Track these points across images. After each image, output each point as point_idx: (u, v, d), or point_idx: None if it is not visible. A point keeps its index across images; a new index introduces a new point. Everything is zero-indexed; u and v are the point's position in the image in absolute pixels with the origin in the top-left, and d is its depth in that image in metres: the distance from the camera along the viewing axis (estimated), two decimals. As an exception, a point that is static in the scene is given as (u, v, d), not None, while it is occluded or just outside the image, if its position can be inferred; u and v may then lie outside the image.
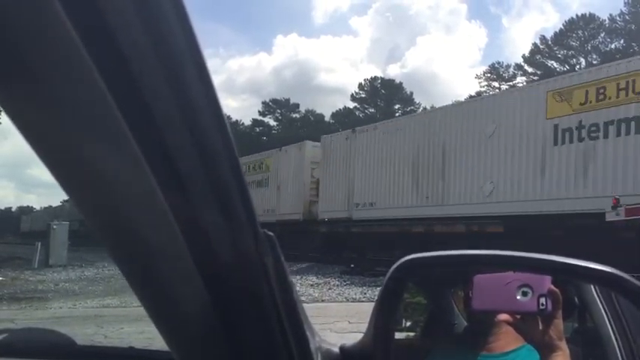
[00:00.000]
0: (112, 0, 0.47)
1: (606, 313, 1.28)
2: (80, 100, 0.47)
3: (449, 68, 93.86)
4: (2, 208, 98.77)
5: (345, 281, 13.33)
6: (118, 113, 0.49)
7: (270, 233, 0.70)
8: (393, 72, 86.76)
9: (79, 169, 0.51)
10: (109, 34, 0.47)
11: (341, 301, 10.38)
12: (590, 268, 0.90)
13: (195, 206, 0.60)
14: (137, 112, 0.51)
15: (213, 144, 0.58)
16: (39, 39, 0.42)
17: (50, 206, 56.27)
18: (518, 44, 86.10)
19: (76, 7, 0.43)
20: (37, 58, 0.43)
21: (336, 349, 0.94)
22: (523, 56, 53.21)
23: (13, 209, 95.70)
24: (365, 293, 11.02)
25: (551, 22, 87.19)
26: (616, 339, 1.26)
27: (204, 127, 0.57)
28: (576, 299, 1.31)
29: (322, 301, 10.32)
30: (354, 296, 10.82)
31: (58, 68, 0.44)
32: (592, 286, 1.29)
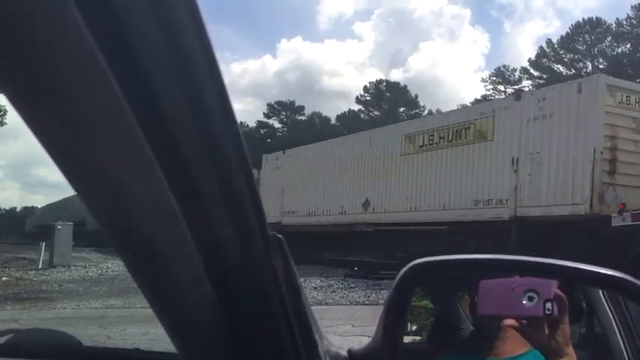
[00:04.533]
0: (127, 2, 0.47)
1: (614, 317, 1.28)
2: (93, 102, 0.47)
3: (452, 73, 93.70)
4: (7, 208, 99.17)
5: (348, 284, 13.31)
6: (131, 115, 0.49)
7: (280, 236, 0.70)
8: (397, 76, 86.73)
9: (91, 171, 0.51)
10: (125, 39, 0.47)
11: (344, 304, 10.37)
12: (598, 273, 0.89)
13: (205, 209, 0.60)
14: (150, 115, 0.51)
15: (225, 147, 0.58)
16: (52, 40, 0.42)
17: (52, 203, 56.28)
18: (521, 50, 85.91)
19: (90, 9, 0.43)
20: (50, 59, 0.43)
21: (344, 353, 0.94)
22: (529, 60, 53.22)
23: (18, 209, 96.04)
24: (369, 296, 11.00)
25: (553, 27, 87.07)
26: (624, 344, 1.26)
27: (216, 132, 0.57)
28: (584, 304, 1.31)
29: (326, 304, 10.31)
30: (357, 299, 10.80)
31: (72, 70, 0.44)
32: (600, 291, 1.29)
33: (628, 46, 47.79)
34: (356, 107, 62.45)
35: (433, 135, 15.52)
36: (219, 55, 0.55)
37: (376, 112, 59.83)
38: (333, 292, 12.01)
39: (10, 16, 0.40)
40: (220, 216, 0.62)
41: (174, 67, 0.52)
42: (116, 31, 0.47)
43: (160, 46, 0.50)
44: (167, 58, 0.51)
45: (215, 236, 0.63)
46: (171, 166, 0.55)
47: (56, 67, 0.44)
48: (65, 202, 39.17)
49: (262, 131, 64.25)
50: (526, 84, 50.43)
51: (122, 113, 0.49)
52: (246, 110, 76.68)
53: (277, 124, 66.20)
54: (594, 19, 49.43)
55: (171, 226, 0.58)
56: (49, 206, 50.34)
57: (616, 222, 10.94)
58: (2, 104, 19.19)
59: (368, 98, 61.61)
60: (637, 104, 11.99)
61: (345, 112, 63.59)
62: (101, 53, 0.45)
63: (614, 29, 48.53)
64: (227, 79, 0.57)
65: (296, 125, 63.11)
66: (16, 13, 0.40)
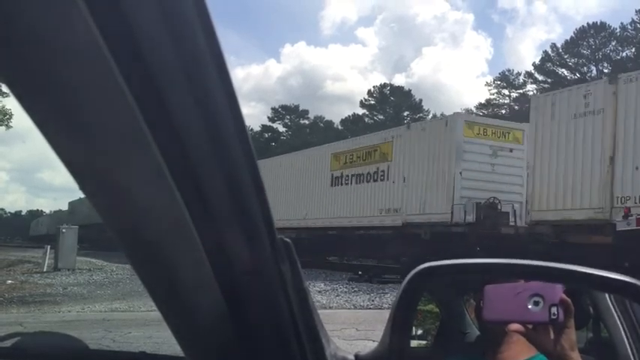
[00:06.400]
0: (140, 10, 0.47)
1: (621, 322, 1.27)
2: (103, 105, 0.47)
3: (455, 78, 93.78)
4: (12, 211, 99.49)
5: (352, 288, 13.28)
6: (140, 119, 0.49)
7: (287, 240, 0.70)
8: (400, 81, 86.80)
9: (100, 174, 0.51)
10: (135, 43, 0.48)
11: (348, 308, 10.35)
12: (605, 277, 0.89)
13: (213, 214, 0.60)
14: (159, 120, 0.51)
15: (233, 151, 0.58)
16: (66, 49, 0.43)
17: (60, 210, 56.40)
18: (523, 54, 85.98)
19: (101, 15, 0.44)
20: (62, 67, 0.43)
21: (351, 357, 0.93)
22: (534, 64, 53.17)
23: (23, 213, 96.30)
24: (372, 300, 10.98)
25: (555, 33, 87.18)
26: (631, 349, 1.25)
27: (225, 135, 0.57)
28: (590, 309, 1.30)
29: (330, 307, 10.30)
30: (361, 303, 10.78)
31: (83, 73, 0.45)
32: (607, 295, 1.28)
33: (632, 50, 47.69)
34: (360, 111, 62.50)
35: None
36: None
37: (380, 116, 59.85)
38: (337, 295, 11.99)
39: (19, 16, 0.40)
40: (229, 221, 0.62)
41: (186, 76, 0.52)
42: (126, 36, 0.47)
43: (170, 50, 0.50)
44: (179, 67, 0.51)
45: (223, 241, 0.63)
46: (180, 170, 0.55)
47: (66, 69, 0.44)
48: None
49: (267, 135, 64.34)
50: (530, 88, 50.40)
51: (131, 117, 0.49)
52: (251, 114, 76.94)
53: (281, 128, 66.32)
54: (599, 23, 49.38)
55: (179, 230, 0.58)
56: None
57: (621, 226, 10.91)
58: (8, 108, 19.31)
59: (372, 102, 61.62)
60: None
61: (349, 115, 63.66)
62: (111, 57, 0.45)
63: (618, 33, 48.45)
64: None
65: (300, 129, 63.17)
66: (26, 15, 0.40)
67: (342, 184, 19.23)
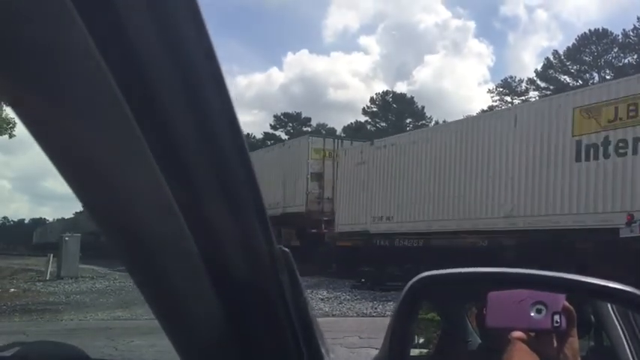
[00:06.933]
0: (131, 12, 0.47)
1: (623, 331, 1.27)
2: (93, 102, 0.47)
3: (457, 85, 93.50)
4: (15, 220, 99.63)
5: (355, 296, 13.25)
6: (140, 134, 0.49)
7: (286, 249, 0.70)
8: (402, 89, 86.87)
9: (97, 181, 0.52)
10: (126, 42, 0.48)
11: (351, 316, 10.33)
12: (606, 286, 0.89)
13: (211, 222, 0.60)
14: (157, 135, 0.52)
15: (231, 162, 0.59)
16: (58, 48, 0.43)
17: (63, 218, 56.46)
18: (524, 62, 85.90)
19: (96, 20, 0.44)
20: (54, 65, 0.44)
21: None
22: (536, 71, 53.27)
23: (27, 221, 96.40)
24: (376, 308, 10.96)
25: (556, 40, 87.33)
26: (633, 358, 1.24)
27: (222, 146, 0.57)
28: (592, 317, 1.30)
29: (333, 315, 10.28)
30: (364, 311, 10.76)
31: (75, 73, 0.45)
32: (608, 305, 1.28)
33: (635, 56, 47.72)
34: (362, 119, 62.59)
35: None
36: (225, 68, 0.55)
37: (383, 124, 59.93)
38: (340, 303, 11.97)
39: (12, 19, 0.41)
40: (227, 231, 0.62)
41: (176, 68, 0.52)
42: (120, 38, 0.47)
43: (160, 44, 0.50)
44: (168, 57, 0.51)
45: (222, 251, 0.63)
46: (179, 181, 0.55)
47: (59, 71, 0.44)
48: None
49: (269, 143, 64.42)
50: (533, 95, 50.44)
51: (129, 129, 0.49)
52: (253, 122, 76.97)
53: (284, 136, 66.34)
54: (600, 30, 49.47)
55: (177, 240, 0.58)
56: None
57: (624, 233, 10.83)
58: (11, 117, 19.42)
59: (374, 109, 61.72)
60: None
61: (351, 123, 63.72)
62: (104, 60, 0.45)
63: (620, 40, 48.52)
64: (233, 92, 0.57)
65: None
66: (17, 20, 0.41)
67: (605, 156, 11.17)
